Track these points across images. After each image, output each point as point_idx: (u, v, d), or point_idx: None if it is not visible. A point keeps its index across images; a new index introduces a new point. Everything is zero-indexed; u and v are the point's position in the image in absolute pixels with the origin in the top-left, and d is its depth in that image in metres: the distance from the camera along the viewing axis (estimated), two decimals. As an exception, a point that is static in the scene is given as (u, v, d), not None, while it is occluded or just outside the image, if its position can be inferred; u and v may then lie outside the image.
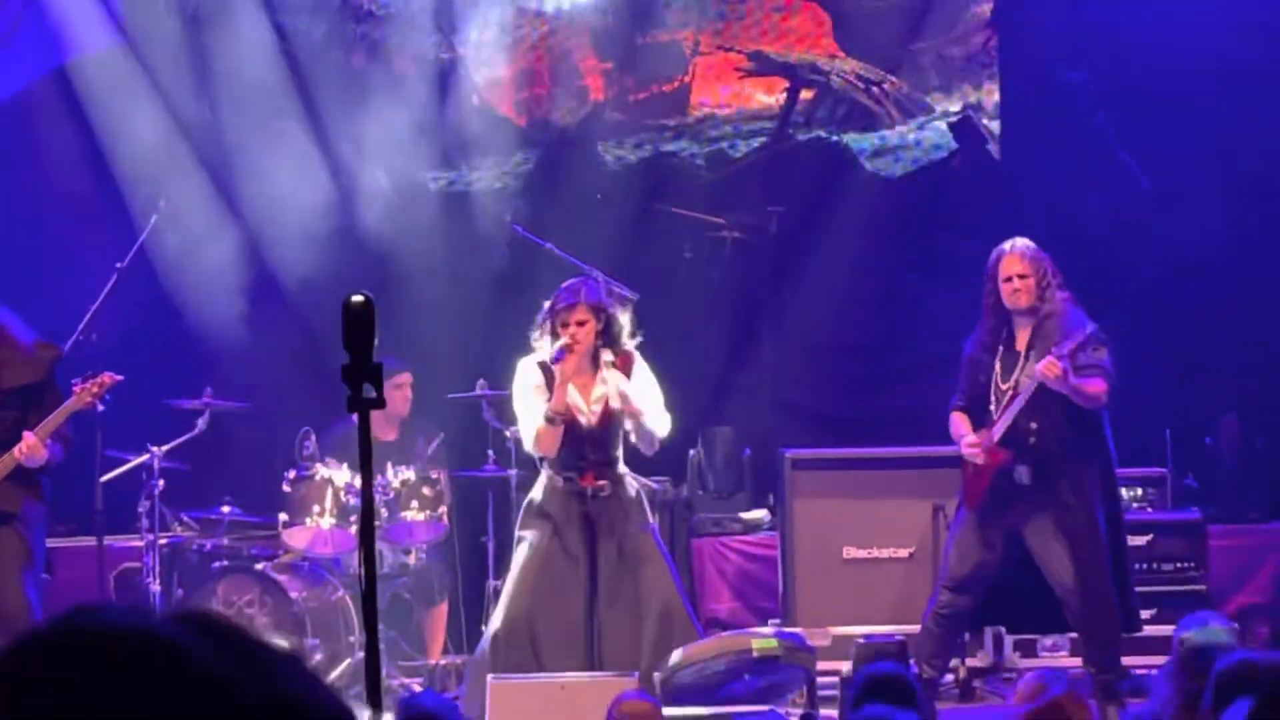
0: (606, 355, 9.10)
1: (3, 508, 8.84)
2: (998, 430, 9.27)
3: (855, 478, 11.06)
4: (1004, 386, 9.33)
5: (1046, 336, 9.24)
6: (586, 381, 9.15)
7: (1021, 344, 9.34)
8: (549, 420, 9.02)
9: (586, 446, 9.13)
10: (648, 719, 7.06)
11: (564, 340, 8.98)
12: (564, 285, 9.21)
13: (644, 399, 9.12)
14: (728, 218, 13.01)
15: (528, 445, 9.24)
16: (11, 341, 8.92)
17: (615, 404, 9.09)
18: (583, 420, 9.11)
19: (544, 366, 9.14)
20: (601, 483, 9.11)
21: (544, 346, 9.13)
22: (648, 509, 9.38)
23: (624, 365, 9.16)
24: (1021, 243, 9.48)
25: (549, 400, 9.05)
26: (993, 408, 9.37)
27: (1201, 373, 12.27)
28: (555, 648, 9.02)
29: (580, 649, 9.00)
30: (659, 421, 9.15)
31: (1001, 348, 9.40)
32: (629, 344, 9.20)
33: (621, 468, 9.24)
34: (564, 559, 9.09)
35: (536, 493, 9.26)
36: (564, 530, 9.11)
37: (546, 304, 9.16)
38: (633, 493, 9.26)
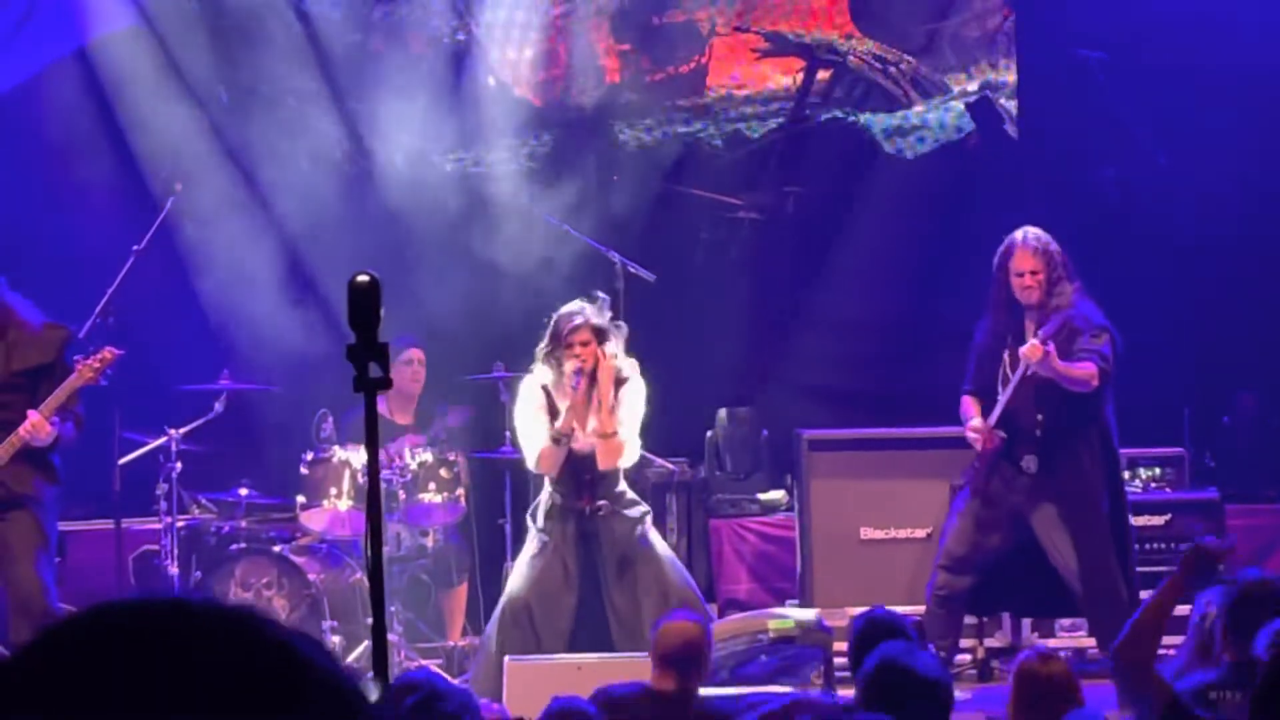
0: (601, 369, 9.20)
1: (16, 489, 8.87)
2: (993, 416, 9.32)
3: (872, 458, 11.05)
4: (1013, 376, 9.38)
5: (1048, 328, 9.27)
6: (583, 408, 9.21)
7: (1030, 336, 9.38)
8: (554, 440, 9.14)
9: (582, 468, 9.23)
10: (696, 640, 7.05)
11: (577, 364, 9.07)
12: (562, 311, 9.26)
13: (619, 428, 9.19)
14: (744, 198, 13.01)
15: (530, 464, 9.36)
16: (20, 323, 8.95)
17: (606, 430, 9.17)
18: (576, 446, 9.17)
19: (546, 390, 9.23)
20: (600, 503, 9.19)
21: (545, 371, 9.21)
22: (649, 527, 9.43)
23: (618, 391, 9.25)
24: (1033, 235, 9.46)
25: (552, 421, 9.15)
26: (1000, 394, 9.42)
27: (1219, 352, 12.25)
28: (552, 636, 9.09)
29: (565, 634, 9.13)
30: (621, 453, 9.22)
31: (1010, 338, 9.41)
32: (623, 365, 9.24)
33: (622, 485, 9.32)
34: (562, 574, 9.19)
35: (540, 505, 9.37)
36: (561, 548, 9.21)
37: (548, 330, 9.22)
38: (635, 513, 9.31)
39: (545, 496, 9.35)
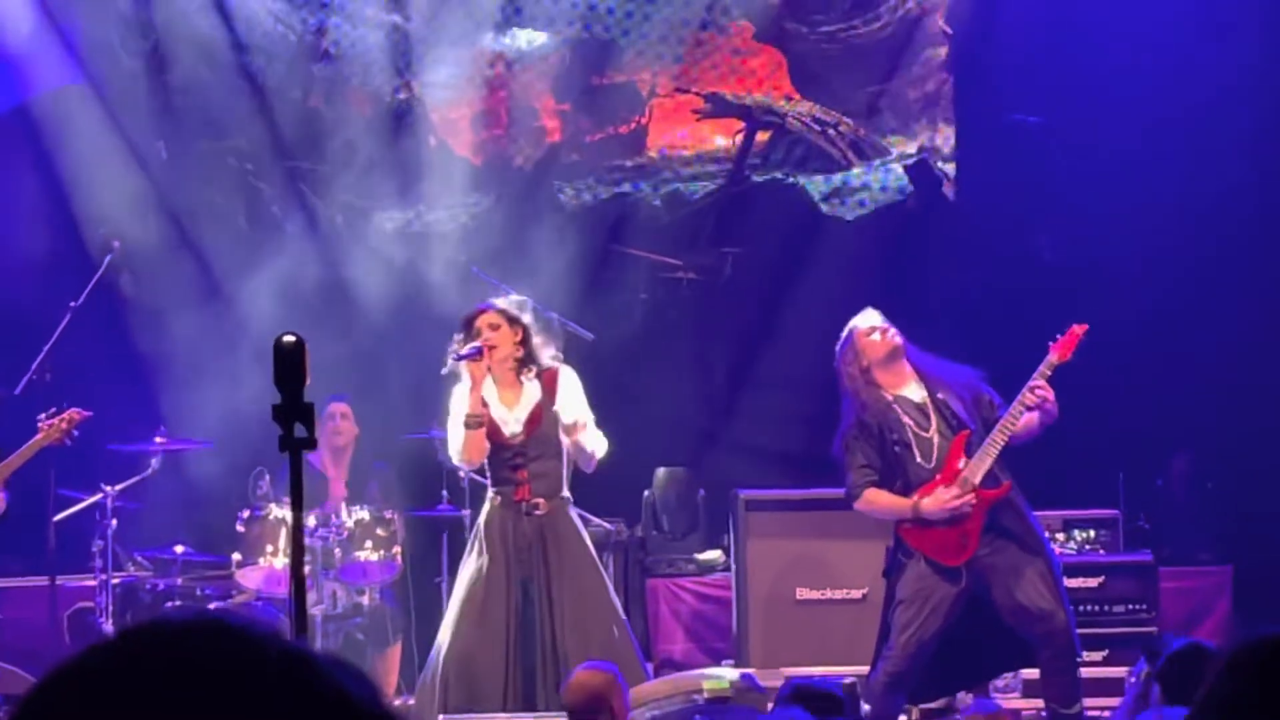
0: (528, 373, 9.12)
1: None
2: (977, 473, 9.02)
3: (809, 519, 11.05)
4: (926, 434, 9.15)
5: (937, 382, 9.20)
6: (512, 396, 9.15)
7: (919, 395, 9.28)
8: (466, 425, 9.00)
9: (517, 458, 9.09)
10: (598, 690, 7.02)
11: (477, 342, 9.01)
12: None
13: (575, 416, 9.10)
14: (684, 259, 13.04)
15: (455, 457, 9.20)
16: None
17: (550, 421, 9.10)
18: (507, 432, 9.09)
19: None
20: (537, 500, 9.05)
21: (462, 368, 9.14)
22: (605, 576, 9.36)
23: (549, 381, 9.15)
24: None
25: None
26: (920, 460, 9.16)
27: (1153, 415, 12.31)
28: (488, 685, 8.95)
29: (501, 685, 8.94)
30: (594, 439, 9.14)
31: (886, 411, 9.20)
32: (551, 360, 9.19)
33: (565, 492, 9.20)
34: (503, 589, 9.02)
35: (482, 519, 9.21)
36: (510, 556, 9.03)
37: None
38: (578, 522, 9.24)
39: (486, 510, 9.18)
